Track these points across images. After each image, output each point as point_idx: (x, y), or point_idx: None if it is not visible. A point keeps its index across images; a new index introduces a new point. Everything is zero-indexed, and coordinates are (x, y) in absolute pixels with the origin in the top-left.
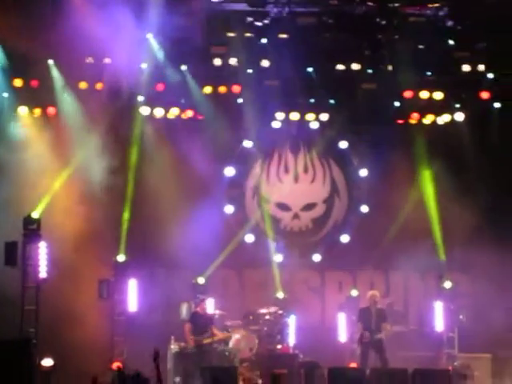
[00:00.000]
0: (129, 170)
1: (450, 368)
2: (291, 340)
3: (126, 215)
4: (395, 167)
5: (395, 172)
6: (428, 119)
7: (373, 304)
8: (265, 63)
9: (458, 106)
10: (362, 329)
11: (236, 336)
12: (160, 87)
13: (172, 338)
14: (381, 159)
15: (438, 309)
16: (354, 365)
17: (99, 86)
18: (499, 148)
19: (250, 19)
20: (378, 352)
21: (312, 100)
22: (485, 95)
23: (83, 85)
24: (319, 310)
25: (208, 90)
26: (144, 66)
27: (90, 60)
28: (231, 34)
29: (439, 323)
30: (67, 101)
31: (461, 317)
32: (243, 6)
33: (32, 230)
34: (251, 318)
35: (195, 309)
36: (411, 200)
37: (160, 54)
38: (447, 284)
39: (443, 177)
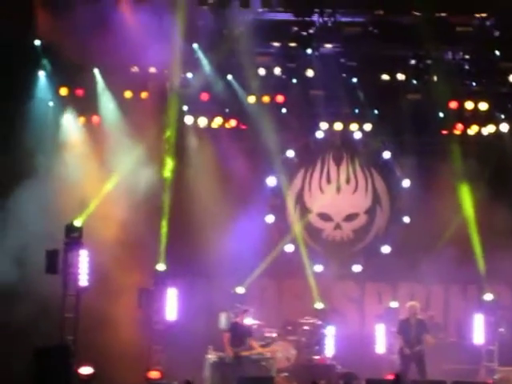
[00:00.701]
0: (171, 178)
1: (490, 381)
2: (329, 351)
3: (165, 224)
4: (438, 178)
5: (438, 183)
6: (473, 130)
7: (412, 315)
8: (309, 73)
9: (503, 116)
10: (402, 341)
11: (273, 346)
12: (205, 97)
13: (210, 347)
14: (424, 170)
15: (478, 321)
16: (391, 376)
17: (144, 94)
18: None
19: (295, 29)
20: (417, 364)
21: (356, 110)
22: None
23: (128, 94)
24: (358, 321)
25: (252, 99)
26: (189, 75)
27: (135, 69)
28: (276, 44)
29: (479, 336)
30: (112, 109)
31: (501, 329)
32: (289, 16)
33: (74, 237)
34: (289, 328)
35: (235, 319)
36: (453, 212)
37: (206, 64)
38: (488, 296)
39: (485, 187)
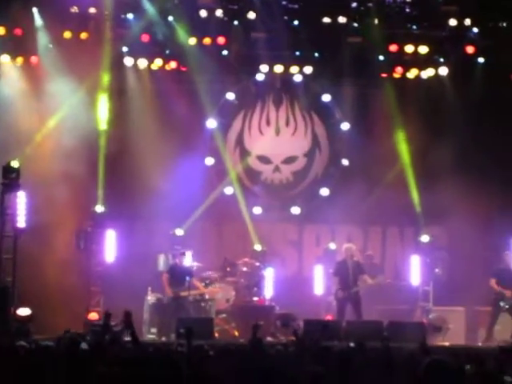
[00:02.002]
0: (110, 120)
1: (425, 321)
2: (268, 292)
3: (103, 165)
4: (377, 122)
5: (377, 126)
6: (412, 73)
7: (349, 257)
8: (251, 15)
9: (442, 60)
10: (338, 282)
11: (213, 288)
12: (145, 38)
13: (149, 289)
14: (363, 113)
15: (415, 262)
16: (329, 317)
17: (84, 35)
18: (481, 102)
19: None
20: (353, 305)
21: (297, 53)
22: (470, 50)
23: (67, 34)
24: (296, 263)
25: (193, 41)
26: (130, 16)
27: (74, 9)
28: None
29: (415, 277)
30: (51, 50)
31: (437, 270)
32: None
33: (11, 178)
34: (228, 269)
35: (174, 260)
36: (391, 155)
37: (146, 5)
38: (424, 238)
39: (423, 130)
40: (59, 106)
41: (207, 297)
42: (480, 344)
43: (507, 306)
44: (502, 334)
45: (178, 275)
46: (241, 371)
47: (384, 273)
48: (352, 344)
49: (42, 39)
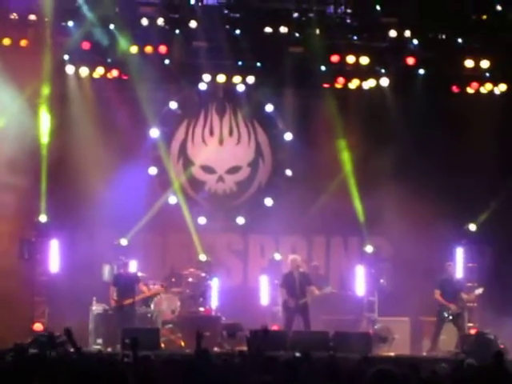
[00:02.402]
0: (51, 128)
1: (371, 331)
2: (214, 302)
3: (44, 174)
4: (320, 132)
5: (320, 136)
6: (354, 84)
7: (295, 268)
8: (193, 24)
9: (383, 71)
10: (286, 294)
11: (158, 297)
12: (86, 46)
13: (94, 299)
14: (306, 123)
15: (360, 273)
16: (275, 327)
17: (24, 42)
18: (422, 113)
19: None
20: (302, 316)
21: (239, 62)
22: (410, 61)
23: (7, 41)
24: (242, 273)
25: (134, 49)
26: (70, 23)
27: (14, 16)
28: None
29: (360, 287)
30: None
31: (381, 281)
32: None
33: None
34: (173, 280)
35: (119, 270)
36: (334, 165)
37: (87, 12)
38: (368, 248)
39: (365, 141)
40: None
41: (152, 307)
42: (425, 354)
43: (451, 317)
44: (447, 344)
45: (123, 285)
46: (187, 381)
47: (329, 283)
48: (298, 354)
49: None
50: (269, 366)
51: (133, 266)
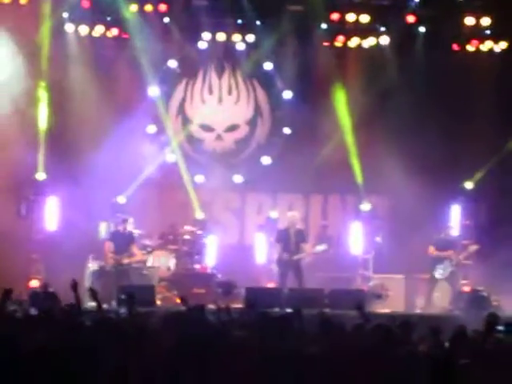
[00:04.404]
0: (50, 87)
1: (365, 288)
2: (210, 260)
3: (43, 132)
4: (320, 90)
5: (319, 95)
6: (353, 42)
7: (292, 225)
8: None
9: (383, 29)
10: (281, 250)
11: (154, 255)
12: (85, 4)
13: (90, 256)
14: (305, 82)
15: (356, 230)
16: (271, 285)
17: (23, 0)
18: (422, 72)
19: None
20: (295, 272)
21: (239, 21)
22: (410, 19)
23: None
24: (238, 231)
25: (134, 8)
26: None
27: None
28: None
29: (356, 245)
30: None
31: (377, 239)
32: None
33: None
34: (170, 237)
35: (117, 228)
36: (333, 124)
37: None
38: (365, 206)
39: (365, 99)
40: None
41: (149, 264)
42: (419, 311)
43: (446, 274)
44: (441, 300)
45: (120, 242)
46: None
47: (327, 241)
48: (289, 310)
49: None
50: (261, 321)
51: (130, 225)
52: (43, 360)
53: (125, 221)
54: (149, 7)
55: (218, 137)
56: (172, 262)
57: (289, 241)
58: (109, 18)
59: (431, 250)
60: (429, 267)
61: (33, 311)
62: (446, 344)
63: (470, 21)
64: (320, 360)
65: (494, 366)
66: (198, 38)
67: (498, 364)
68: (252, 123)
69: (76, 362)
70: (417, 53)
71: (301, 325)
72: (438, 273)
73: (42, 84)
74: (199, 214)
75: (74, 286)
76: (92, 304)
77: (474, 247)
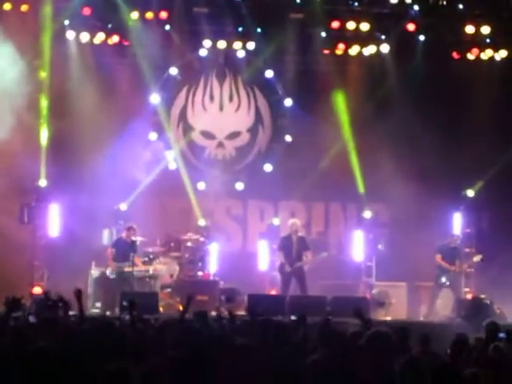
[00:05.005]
0: (50, 94)
1: (368, 296)
2: (212, 267)
3: (44, 138)
4: (321, 98)
5: (320, 103)
6: (354, 50)
7: (294, 232)
8: None
9: (383, 37)
10: (283, 257)
11: (156, 263)
12: (86, 11)
13: (93, 263)
14: (306, 89)
15: (358, 238)
16: (273, 292)
17: (24, 7)
18: (422, 80)
19: None
20: (298, 280)
21: (240, 28)
22: (411, 27)
23: (7, 6)
24: (241, 239)
25: (135, 15)
26: None
27: None
28: None
29: (358, 252)
30: None
31: (379, 246)
32: None
33: None
34: (172, 244)
35: (120, 235)
36: (334, 132)
37: None
38: (367, 214)
39: (365, 107)
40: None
41: (151, 272)
42: (422, 318)
43: (448, 282)
44: (444, 308)
45: (122, 250)
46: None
47: (326, 249)
48: (293, 317)
49: None
50: (262, 329)
51: (134, 233)
52: (45, 365)
53: (129, 229)
54: (150, 14)
55: (220, 144)
56: (175, 270)
57: (291, 248)
58: (110, 25)
59: (438, 258)
60: (431, 275)
61: (31, 319)
62: (448, 351)
63: (470, 29)
64: (320, 367)
65: (501, 376)
66: (199, 45)
67: (505, 373)
68: (253, 131)
69: (76, 368)
70: (417, 61)
71: (304, 331)
72: (443, 280)
73: (44, 91)
74: (201, 221)
75: (78, 294)
76: (95, 310)
77: (478, 257)
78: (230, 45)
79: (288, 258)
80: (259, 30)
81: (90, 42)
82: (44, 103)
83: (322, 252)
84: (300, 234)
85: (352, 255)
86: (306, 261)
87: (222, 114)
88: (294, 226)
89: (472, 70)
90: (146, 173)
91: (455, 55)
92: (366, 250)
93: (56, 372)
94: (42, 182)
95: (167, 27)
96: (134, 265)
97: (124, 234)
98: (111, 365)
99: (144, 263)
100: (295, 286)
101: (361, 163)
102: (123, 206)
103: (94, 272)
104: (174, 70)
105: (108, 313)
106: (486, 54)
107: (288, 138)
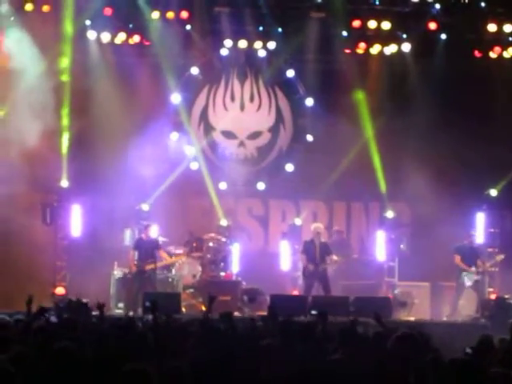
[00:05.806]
0: (70, 94)
1: (391, 296)
2: (234, 267)
3: (65, 140)
4: (341, 97)
5: (341, 102)
6: (375, 49)
7: (316, 236)
8: None
9: (405, 36)
10: (306, 261)
11: (179, 262)
12: (108, 11)
13: (115, 263)
14: (327, 89)
15: (380, 238)
16: (295, 292)
17: (46, 8)
18: (443, 79)
19: None
20: (321, 281)
21: (260, 28)
22: (432, 26)
23: (29, 7)
24: (262, 239)
25: (156, 15)
26: None
27: None
28: None
29: (381, 252)
30: (14, 23)
31: (401, 246)
32: None
33: None
34: (194, 244)
35: (139, 235)
36: (355, 131)
37: None
38: (389, 214)
39: (387, 106)
40: (22, 80)
41: (174, 272)
42: (445, 318)
43: (470, 283)
44: (467, 308)
45: (144, 249)
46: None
47: (349, 249)
48: (314, 312)
49: (4, 11)
50: (284, 329)
51: (154, 231)
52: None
53: (147, 227)
54: (170, 14)
55: (241, 144)
56: (197, 270)
57: (314, 252)
58: (131, 25)
59: (457, 259)
60: (454, 275)
61: (53, 319)
62: (468, 350)
63: (492, 27)
64: (343, 367)
65: None
66: (220, 44)
67: None
68: (274, 130)
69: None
70: (438, 60)
71: (324, 328)
72: (465, 280)
73: (65, 91)
74: (223, 221)
75: (101, 308)
76: (118, 311)
77: (500, 256)
78: (250, 44)
79: (311, 262)
80: (280, 29)
81: (111, 42)
82: (65, 103)
83: (345, 254)
84: (323, 239)
85: (374, 255)
86: (331, 263)
87: (243, 113)
88: (317, 230)
89: (494, 68)
90: (167, 173)
91: (477, 54)
92: (389, 250)
93: (79, 371)
94: (64, 183)
95: (188, 27)
96: (157, 261)
97: (143, 235)
98: (131, 365)
99: (170, 256)
100: (319, 289)
101: (382, 162)
102: (145, 206)
103: (117, 272)
104: (194, 70)
105: (131, 313)
106: (509, 53)
107: (309, 138)
